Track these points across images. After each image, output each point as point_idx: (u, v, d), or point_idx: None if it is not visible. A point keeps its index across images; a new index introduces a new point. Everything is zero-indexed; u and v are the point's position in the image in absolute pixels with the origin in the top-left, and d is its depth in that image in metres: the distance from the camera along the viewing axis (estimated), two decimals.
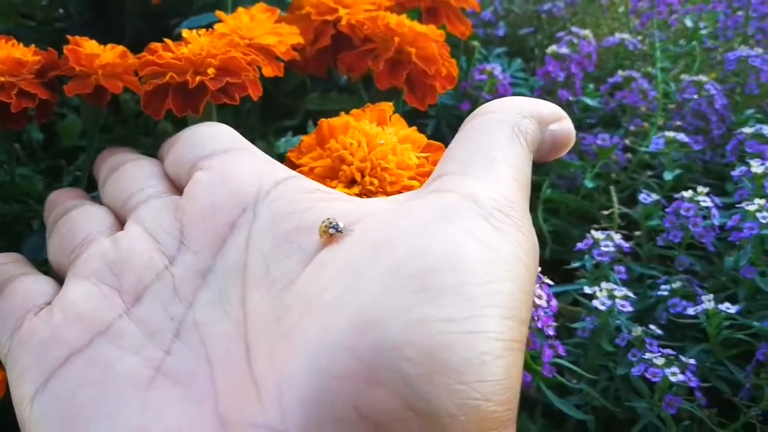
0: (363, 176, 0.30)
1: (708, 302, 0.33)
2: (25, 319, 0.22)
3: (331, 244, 0.20)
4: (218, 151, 0.26)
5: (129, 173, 0.27)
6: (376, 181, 0.30)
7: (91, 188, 0.32)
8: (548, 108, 0.23)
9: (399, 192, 0.31)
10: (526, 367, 0.32)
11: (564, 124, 0.24)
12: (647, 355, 0.32)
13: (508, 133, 0.22)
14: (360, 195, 0.31)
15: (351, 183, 0.31)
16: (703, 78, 0.43)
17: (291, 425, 0.16)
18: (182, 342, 0.20)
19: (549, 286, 0.31)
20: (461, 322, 0.16)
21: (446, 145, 0.32)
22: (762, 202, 0.35)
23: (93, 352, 0.20)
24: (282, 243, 0.21)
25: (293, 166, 0.32)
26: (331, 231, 0.20)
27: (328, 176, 0.31)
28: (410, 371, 0.16)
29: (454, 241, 0.18)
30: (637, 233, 0.39)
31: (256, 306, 0.20)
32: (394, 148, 0.31)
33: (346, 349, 0.16)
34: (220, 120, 0.31)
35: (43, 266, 0.28)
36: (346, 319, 0.17)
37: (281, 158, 0.33)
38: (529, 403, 0.36)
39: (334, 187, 0.30)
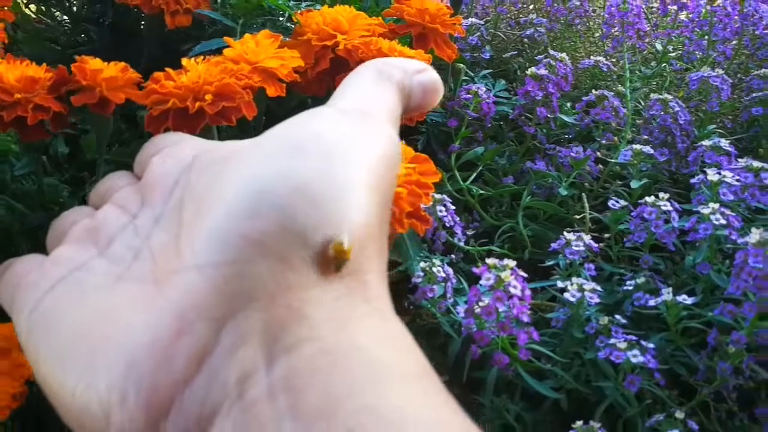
0: None
1: (667, 294, 0.37)
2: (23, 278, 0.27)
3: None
4: (169, 143, 0.31)
5: (106, 179, 0.32)
6: None
7: None
8: (412, 62, 0.28)
9: None
10: (505, 352, 0.35)
11: (429, 74, 0.28)
12: (612, 341, 0.36)
13: (375, 75, 0.27)
14: None
15: None
16: (668, 96, 0.47)
17: (200, 261, 0.20)
18: (139, 260, 0.25)
19: (524, 278, 0.35)
20: (322, 169, 0.21)
21: (435, 159, 0.36)
22: (716, 206, 0.39)
23: (70, 278, 0.25)
24: (203, 173, 0.26)
25: None
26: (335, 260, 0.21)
27: None
28: (283, 202, 0.20)
29: (318, 126, 0.23)
30: (607, 236, 0.43)
31: (187, 214, 0.25)
32: None
33: (239, 203, 0.21)
34: (226, 137, 0.35)
35: None
36: (237, 186, 0.21)
37: None
38: (509, 387, 0.40)
39: None
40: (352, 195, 0.21)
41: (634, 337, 0.36)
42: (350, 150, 0.23)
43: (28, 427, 0.39)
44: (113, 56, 0.41)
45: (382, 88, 0.27)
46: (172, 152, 0.29)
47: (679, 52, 0.55)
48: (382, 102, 0.26)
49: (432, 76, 0.29)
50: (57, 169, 0.45)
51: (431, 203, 0.39)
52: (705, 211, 0.39)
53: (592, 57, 0.53)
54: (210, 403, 0.19)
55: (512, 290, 0.33)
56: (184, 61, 0.37)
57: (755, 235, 0.34)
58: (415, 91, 0.28)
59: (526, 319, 0.35)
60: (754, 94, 0.48)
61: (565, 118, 0.50)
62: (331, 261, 0.20)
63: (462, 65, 0.51)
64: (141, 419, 0.19)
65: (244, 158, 0.23)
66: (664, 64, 0.52)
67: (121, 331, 0.21)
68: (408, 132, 0.41)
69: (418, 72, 0.28)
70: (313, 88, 0.44)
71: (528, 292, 0.34)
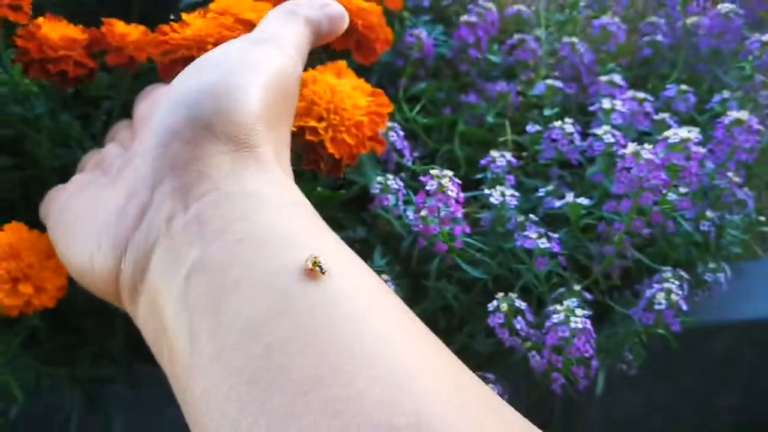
0: (328, 114, 0.44)
1: (570, 198, 0.48)
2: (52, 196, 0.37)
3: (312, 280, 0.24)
4: (150, 90, 0.39)
5: (113, 127, 0.41)
6: (337, 118, 0.44)
7: None
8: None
9: (356, 125, 0.44)
10: (445, 242, 0.46)
11: (333, 6, 0.37)
12: (526, 233, 0.46)
13: (282, 12, 0.36)
14: (326, 128, 0.44)
15: (320, 119, 0.44)
16: (576, 40, 0.57)
17: (142, 150, 0.31)
18: (124, 170, 0.33)
19: (459, 185, 0.45)
20: (223, 75, 0.30)
21: (386, 93, 0.46)
22: (608, 128, 0.49)
23: (81, 190, 0.34)
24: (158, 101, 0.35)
25: None
26: (318, 269, 0.24)
27: (304, 114, 0.44)
28: (191, 101, 0.30)
29: (225, 49, 0.33)
30: (525, 154, 0.53)
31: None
32: (349, 94, 0.44)
33: (164, 109, 0.30)
34: None
35: None
36: (165, 98, 0.31)
37: None
38: (448, 275, 0.50)
39: (307, 123, 0.44)
40: (245, 91, 0.30)
41: (543, 231, 0.47)
42: (248, 63, 0.32)
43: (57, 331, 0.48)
44: (104, 8, 0.49)
45: (287, 22, 0.36)
46: (151, 95, 0.39)
47: (586, 2, 0.64)
48: (285, 32, 0.35)
49: (336, 7, 0.38)
50: (65, 108, 0.53)
51: (385, 130, 0.49)
52: (599, 132, 0.49)
53: (515, 5, 0.63)
54: (151, 238, 0.28)
55: (450, 194, 0.44)
56: (184, 16, 0.45)
57: (630, 147, 0.44)
58: (324, 21, 0.37)
59: (460, 216, 0.45)
60: (645, 38, 0.59)
61: (493, 58, 0.60)
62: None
63: (407, 13, 0.59)
64: (110, 255, 0.29)
65: (174, 80, 0.32)
66: (575, 12, 0.62)
67: (100, 210, 0.31)
68: (363, 72, 0.49)
69: (324, 5, 0.38)
70: None
71: (462, 195, 0.44)
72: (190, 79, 0.32)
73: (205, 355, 0.23)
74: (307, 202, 0.30)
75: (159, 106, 0.32)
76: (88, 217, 0.32)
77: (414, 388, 0.21)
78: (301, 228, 0.27)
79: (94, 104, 0.53)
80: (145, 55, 0.45)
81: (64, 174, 0.42)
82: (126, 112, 0.43)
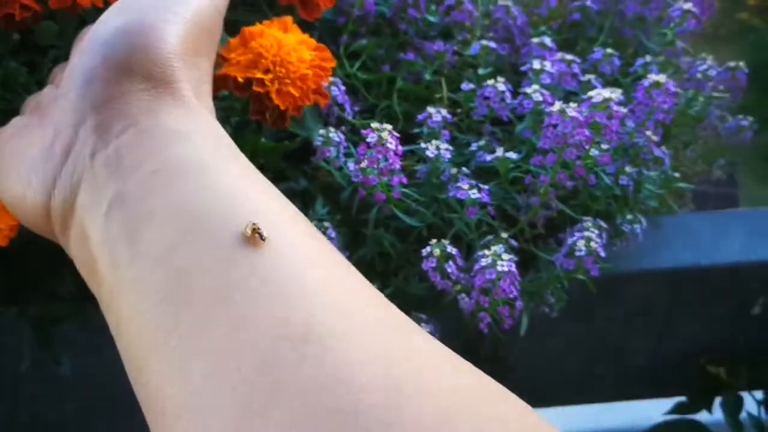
0: (275, 66, 0.46)
1: (500, 152, 0.51)
2: None
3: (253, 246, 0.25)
4: (85, 32, 0.40)
5: (54, 69, 0.43)
6: (283, 70, 0.46)
7: None
8: None
9: (300, 78, 0.46)
10: (383, 192, 0.48)
11: None
12: (459, 184, 0.49)
13: None
14: (272, 80, 0.46)
15: (266, 71, 0.46)
16: (509, 3, 0.60)
17: (64, 91, 0.32)
18: (51, 110, 0.34)
19: (397, 138, 0.48)
20: (137, 16, 0.32)
21: (329, 49, 0.48)
22: (537, 87, 0.52)
23: (17, 132, 0.35)
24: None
25: (224, 59, 0.47)
26: (257, 236, 0.25)
27: (250, 66, 0.46)
28: (106, 40, 0.32)
29: None
30: (459, 111, 0.56)
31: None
32: (294, 48, 0.47)
33: (83, 50, 0.32)
34: None
35: None
36: (85, 40, 0.33)
37: None
38: (386, 225, 0.53)
39: (254, 74, 0.46)
40: (161, 29, 0.32)
41: (474, 182, 0.50)
42: (162, 5, 0.33)
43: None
44: None
45: None
46: (84, 38, 0.41)
47: None
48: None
49: None
50: (13, 56, 0.54)
51: (328, 84, 0.51)
52: (529, 90, 0.52)
53: None
54: (76, 174, 0.30)
55: (389, 146, 0.46)
56: None
57: (557, 105, 0.47)
58: None
59: (398, 167, 0.48)
60: (575, 2, 0.62)
61: (431, 18, 0.62)
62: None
63: None
64: (40, 192, 0.31)
65: (96, 22, 0.34)
66: None
67: (30, 148, 0.33)
68: (306, 28, 0.51)
69: None
70: None
71: (400, 148, 0.47)
72: (109, 19, 0.34)
73: (127, 281, 0.26)
74: (224, 133, 0.32)
75: (80, 48, 0.33)
76: (19, 156, 0.34)
77: (307, 305, 0.23)
78: (214, 155, 0.29)
79: (41, 52, 0.54)
80: (88, 2, 0.46)
81: (12, 117, 0.43)
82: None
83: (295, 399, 0.20)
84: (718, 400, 0.70)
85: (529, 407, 0.23)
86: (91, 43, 0.33)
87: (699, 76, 0.62)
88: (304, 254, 0.26)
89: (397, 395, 0.21)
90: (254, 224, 0.25)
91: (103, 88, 0.31)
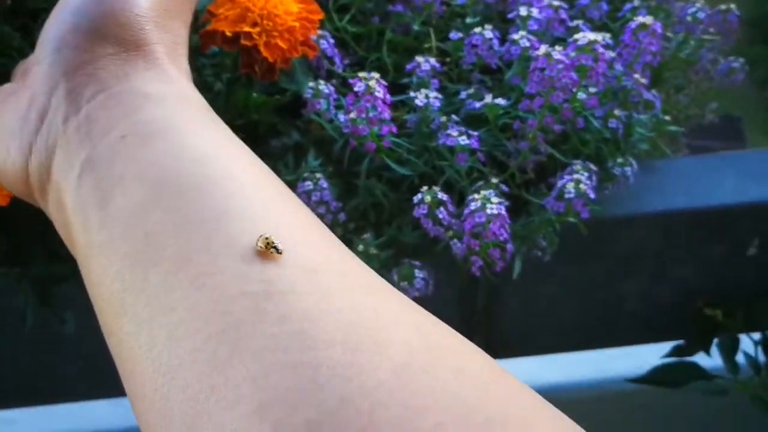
0: (262, 20, 0.46)
1: (489, 99, 0.51)
2: None
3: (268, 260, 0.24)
4: None
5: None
6: (271, 23, 0.46)
7: None
8: None
9: (288, 30, 0.47)
10: (374, 141, 0.49)
11: None
12: (448, 132, 0.50)
13: None
14: (260, 33, 0.47)
15: (254, 24, 0.46)
16: None
17: (38, 59, 0.33)
18: (26, 77, 0.34)
19: (386, 86, 0.48)
20: None
21: (317, 3, 0.48)
22: (524, 33, 0.53)
23: (4, 99, 0.35)
24: None
25: (212, 15, 0.47)
26: (271, 251, 0.24)
27: (238, 20, 0.47)
28: (76, 9, 0.32)
29: None
30: (448, 60, 0.56)
31: None
32: (281, 1, 0.47)
33: (54, 20, 0.33)
34: None
35: None
36: (57, 8, 0.33)
37: (202, 11, 0.48)
38: (378, 175, 0.53)
39: (241, 28, 0.46)
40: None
41: (464, 129, 0.50)
42: None
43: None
44: None
45: None
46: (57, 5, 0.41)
47: None
48: None
49: None
50: (5, 21, 0.54)
51: (316, 36, 0.51)
52: (516, 36, 0.53)
53: None
54: (51, 140, 0.31)
55: (377, 95, 0.47)
56: None
57: (542, 48, 0.48)
58: None
59: (387, 116, 0.48)
60: None
61: None
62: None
63: None
64: (17, 158, 0.32)
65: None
66: None
67: (8, 115, 0.33)
68: None
69: None
70: None
71: (389, 97, 0.48)
72: None
73: (97, 244, 0.27)
74: (199, 96, 0.32)
75: (52, 16, 0.34)
76: (2, 123, 0.34)
77: (270, 265, 0.24)
78: (186, 118, 0.30)
79: (32, 17, 0.55)
80: None
81: (5, 80, 0.44)
82: None
83: (256, 356, 0.21)
84: (715, 343, 0.70)
85: (492, 361, 0.24)
86: (61, 11, 0.33)
87: (689, 19, 0.61)
88: (275, 217, 0.26)
89: (355, 351, 0.21)
90: (267, 237, 0.24)
91: (74, 55, 0.32)
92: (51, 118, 0.31)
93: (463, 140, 0.48)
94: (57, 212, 0.31)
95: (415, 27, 0.58)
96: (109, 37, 0.32)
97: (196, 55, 0.50)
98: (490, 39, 0.53)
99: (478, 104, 0.51)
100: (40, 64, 0.33)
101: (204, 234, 0.25)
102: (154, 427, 0.23)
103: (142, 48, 0.32)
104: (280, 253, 0.24)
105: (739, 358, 0.71)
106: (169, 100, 0.30)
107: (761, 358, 0.71)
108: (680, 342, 0.71)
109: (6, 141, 0.33)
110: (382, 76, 0.48)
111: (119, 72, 0.31)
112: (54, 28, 0.33)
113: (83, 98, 0.31)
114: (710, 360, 0.71)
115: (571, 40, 0.49)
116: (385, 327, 0.22)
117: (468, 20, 0.57)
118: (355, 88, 0.46)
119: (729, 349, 0.71)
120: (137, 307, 0.24)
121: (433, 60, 0.53)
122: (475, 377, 0.22)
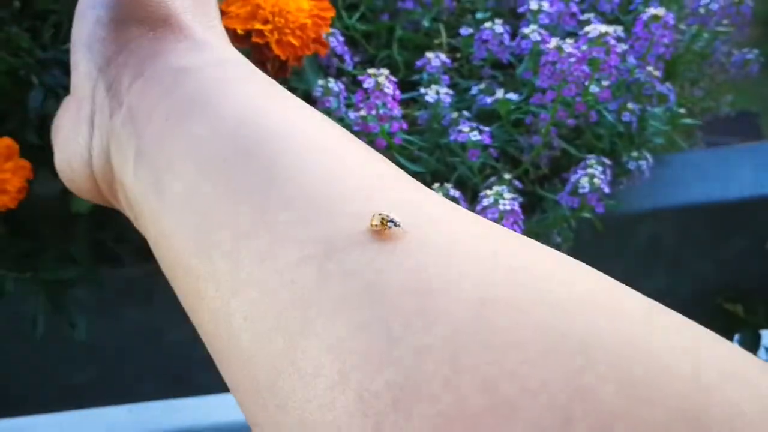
0: (274, 17, 0.46)
1: (500, 94, 0.51)
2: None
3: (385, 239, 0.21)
4: None
5: None
6: (282, 20, 0.46)
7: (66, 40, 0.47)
8: None
9: (300, 27, 0.47)
10: (384, 138, 0.49)
11: None
12: (460, 128, 0.49)
13: None
14: (272, 31, 0.46)
15: (265, 22, 0.46)
16: None
17: (74, 60, 0.33)
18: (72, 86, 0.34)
19: (395, 82, 0.48)
20: None
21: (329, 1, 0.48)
22: (535, 27, 0.52)
23: (65, 111, 0.35)
24: None
25: (223, 13, 0.47)
26: (389, 225, 0.21)
27: (250, 18, 0.46)
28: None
29: None
30: (459, 56, 0.56)
31: None
32: None
33: (80, 19, 0.33)
34: None
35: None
36: (80, 7, 0.33)
37: None
38: None
39: (253, 26, 0.46)
40: None
41: (475, 125, 0.50)
42: None
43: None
44: None
45: None
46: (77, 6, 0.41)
47: None
48: None
49: None
50: (14, 22, 0.54)
51: (328, 33, 0.51)
52: (527, 30, 0.52)
53: None
54: (104, 141, 0.31)
55: (387, 91, 0.46)
56: None
57: (553, 42, 0.47)
58: None
59: (397, 113, 0.48)
60: None
61: None
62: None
63: None
64: (82, 166, 0.32)
65: None
66: None
67: (67, 127, 0.33)
68: None
69: None
70: None
71: (398, 93, 0.47)
72: None
73: (163, 235, 0.27)
74: (235, 55, 0.31)
75: (75, 18, 0.34)
76: (61, 135, 0.34)
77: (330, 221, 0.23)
78: (223, 83, 0.29)
79: (41, 18, 0.55)
80: None
81: (15, 78, 0.46)
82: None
83: (327, 320, 0.20)
84: (735, 338, 0.69)
85: (601, 278, 0.22)
86: (81, 10, 0.33)
87: (702, 11, 0.61)
88: (335, 173, 0.25)
89: (427, 296, 0.19)
90: (382, 215, 0.22)
91: (103, 48, 0.31)
92: (99, 118, 0.31)
93: (475, 136, 0.48)
94: (128, 209, 0.30)
95: (425, 23, 0.57)
96: (131, 20, 0.31)
97: None
98: (501, 34, 0.53)
99: (489, 99, 0.51)
100: (77, 69, 0.33)
101: (255, 203, 0.24)
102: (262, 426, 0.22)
103: (168, 21, 0.31)
104: (398, 226, 0.21)
105: (761, 353, 0.70)
106: (206, 70, 0.29)
107: None
108: None
109: (68, 154, 0.33)
110: (393, 74, 0.48)
111: (150, 52, 0.30)
112: (78, 27, 0.33)
113: (122, 90, 0.30)
114: None
115: (582, 32, 0.48)
116: (456, 264, 0.20)
117: (478, 16, 0.57)
118: (365, 85, 0.46)
119: (750, 345, 0.70)
120: (210, 295, 0.23)
121: (443, 56, 0.52)
122: (564, 300, 0.19)
